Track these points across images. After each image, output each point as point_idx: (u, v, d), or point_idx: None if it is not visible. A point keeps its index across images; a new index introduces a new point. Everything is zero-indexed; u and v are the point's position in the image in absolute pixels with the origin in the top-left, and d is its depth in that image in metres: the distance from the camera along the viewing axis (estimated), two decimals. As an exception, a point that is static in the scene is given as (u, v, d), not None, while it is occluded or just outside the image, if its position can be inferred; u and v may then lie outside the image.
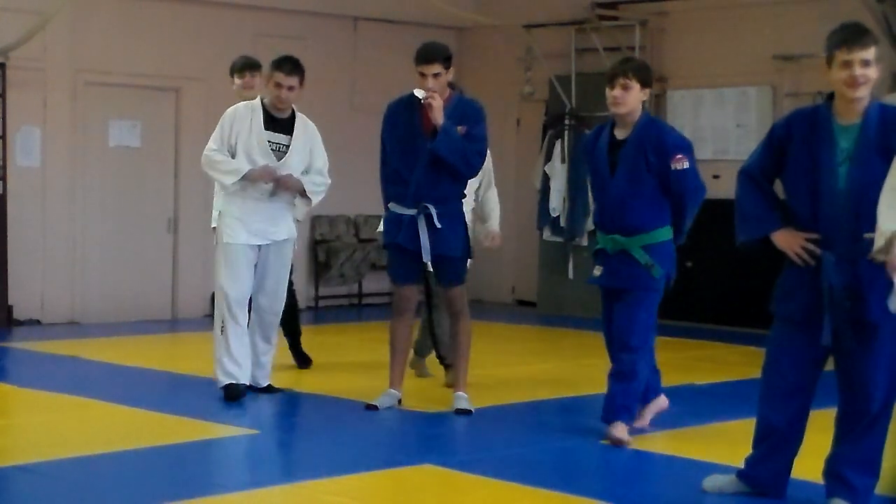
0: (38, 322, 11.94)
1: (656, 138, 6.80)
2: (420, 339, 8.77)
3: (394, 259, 7.70)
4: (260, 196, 7.98)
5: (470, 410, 7.58)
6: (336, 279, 13.81)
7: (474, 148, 7.48)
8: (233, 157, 7.95)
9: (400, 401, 7.74)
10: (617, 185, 6.82)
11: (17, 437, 7.10)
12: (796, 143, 5.44)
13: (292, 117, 8.08)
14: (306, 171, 8.10)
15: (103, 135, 12.33)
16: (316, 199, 8.16)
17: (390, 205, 7.64)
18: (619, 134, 6.87)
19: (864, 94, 5.28)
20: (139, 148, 12.53)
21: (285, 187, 7.98)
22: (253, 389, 8.17)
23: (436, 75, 7.37)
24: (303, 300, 13.66)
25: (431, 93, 7.36)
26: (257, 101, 8.06)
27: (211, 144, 8.01)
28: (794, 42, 12.00)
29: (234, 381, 7.93)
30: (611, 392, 6.87)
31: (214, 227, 8.35)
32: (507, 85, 14.25)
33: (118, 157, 12.39)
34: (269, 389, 8.20)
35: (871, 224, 5.12)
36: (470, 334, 7.75)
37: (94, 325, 11.97)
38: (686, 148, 6.86)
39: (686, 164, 6.76)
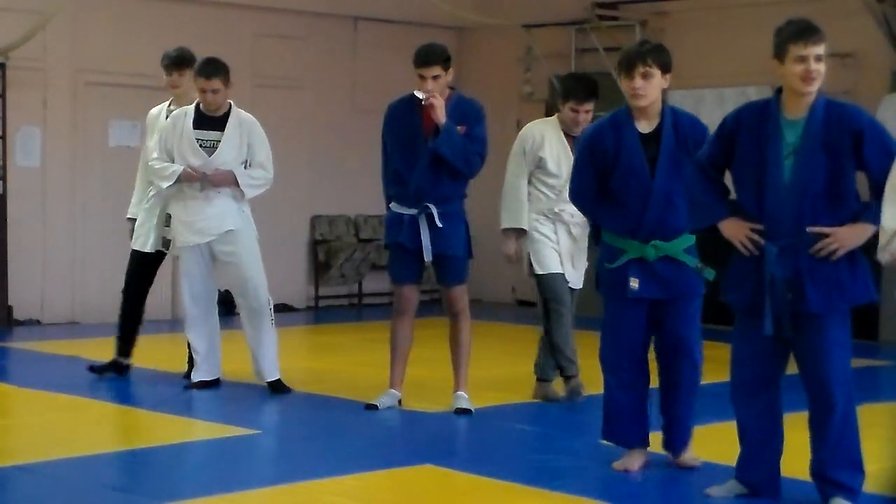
0: (38, 322, 11.94)
1: (694, 127, 6.17)
2: (541, 360, 8.15)
3: (395, 258, 7.69)
4: (198, 194, 8.12)
5: (470, 410, 7.58)
6: (336, 279, 13.80)
7: (474, 149, 7.48)
8: (172, 161, 8.14)
9: (400, 401, 7.74)
10: (660, 184, 5.99)
11: (17, 437, 7.10)
12: (744, 135, 5.47)
13: (227, 114, 8.17)
14: (248, 165, 8.18)
15: (103, 135, 12.33)
16: (252, 193, 8.22)
17: (391, 205, 7.64)
18: (643, 127, 6.07)
19: (816, 88, 5.33)
20: (139, 148, 12.50)
21: (213, 183, 8.05)
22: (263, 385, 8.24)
23: (435, 77, 7.37)
24: (303, 300, 13.70)
25: (432, 94, 7.36)
26: (192, 105, 8.20)
27: (153, 154, 8.26)
28: (794, 42, 11.95)
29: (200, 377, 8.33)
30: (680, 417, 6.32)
31: (129, 218, 8.67)
32: (507, 85, 14.24)
33: (118, 157, 12.36)
34: (278, 385, 8.21)
35: (814, 217, 5.30)
36: (470, 334, 7.76)
37: (94, 325, 11.95)
38: None
39: None
